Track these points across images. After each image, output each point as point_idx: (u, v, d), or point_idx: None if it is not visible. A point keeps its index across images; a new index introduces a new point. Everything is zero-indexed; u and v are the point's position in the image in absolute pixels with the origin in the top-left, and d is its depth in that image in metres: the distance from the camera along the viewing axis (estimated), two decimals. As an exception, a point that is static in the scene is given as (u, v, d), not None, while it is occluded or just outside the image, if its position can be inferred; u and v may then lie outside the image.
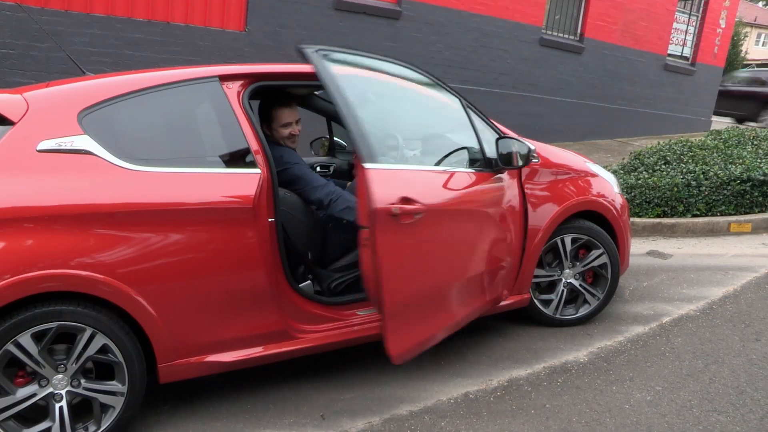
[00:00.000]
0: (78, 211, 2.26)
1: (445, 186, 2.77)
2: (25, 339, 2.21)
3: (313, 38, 7.70)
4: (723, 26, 12.50)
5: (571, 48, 10.60)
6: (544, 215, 3.40)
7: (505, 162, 3.05)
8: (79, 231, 2.26)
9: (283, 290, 2.71)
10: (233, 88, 2.68)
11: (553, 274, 3.61)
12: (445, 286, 2.81)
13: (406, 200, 2.49)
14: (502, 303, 3.34)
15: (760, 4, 46.05)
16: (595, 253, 3.64)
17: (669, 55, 12.02)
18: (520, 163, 3.09)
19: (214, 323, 2.54)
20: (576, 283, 3.66)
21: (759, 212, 6.01)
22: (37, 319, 2.21)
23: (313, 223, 3.03)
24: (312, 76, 2.92)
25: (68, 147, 2.31)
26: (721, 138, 7.52)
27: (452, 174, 2.85)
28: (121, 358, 2.37)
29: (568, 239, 3.57)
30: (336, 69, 2.49)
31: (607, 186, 3.80)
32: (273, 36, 7.38)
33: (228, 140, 2.64)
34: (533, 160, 3.18)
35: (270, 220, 2.62)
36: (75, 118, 2.36)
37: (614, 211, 3.73)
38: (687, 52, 12.45)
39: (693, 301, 4.12)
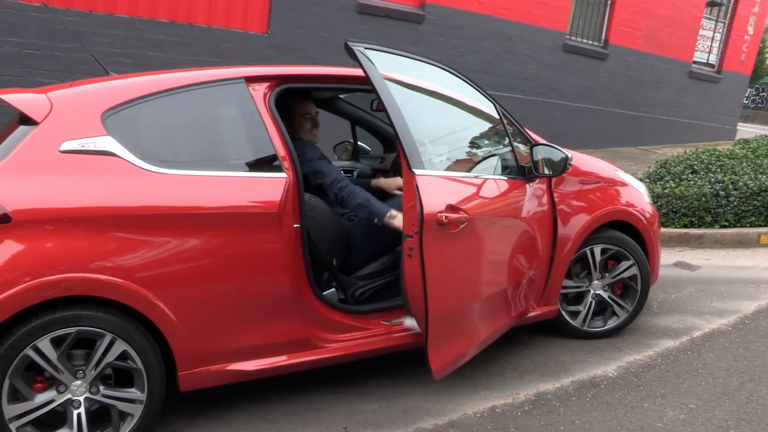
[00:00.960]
0: (100, 213, 2.21)
1: (484, 194, 2.71)
2: (44, 344, 2.16)
3: (336, 41, 7.64)
4: (751, 33, 12.27)
5: (595, 54, 10.46)
6: (574, 225, 3.30)
7: (539, 170, 2.96)
8: (101, 234, 2.21)
9: (307, 298, 2.64)
10: (259, 90, 2.62)
11: (581, 285, 3.51)
12: (482, 299, 2.75)
13: (452, 208, 2.43)
14: (530, 314, 3.25)
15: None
16: (624, 264, 3.53)
17: (694, 62, 11.83)
18: (555, 171, 3.00)
19: (236, 330, 2.48)
20: (605, 294, 3.55)
21: (790, 224, 5.85)
22: (57, 323, 2.16)
23: (339, 229, 2.96)
24: (340, 78, 2.90)
25: (91, 148, 2.26)
26: (750, 147, 7.35)
27: (490, 182, 2.79)
28: (140, 365, 2.31)
29: (597, 249, 3.47)
30: (382, 69, 2.44)
31: (638, 195, 3.69)
32: (295, 38, 7.34)
33: (253, 143, 2.57)
34: (568, 169, 3.09)
35: (295, 225, 2.56)
36: (99, 119, 2.31)
37: (644, 221, 3.62)
38: (713, 59, 12.25)
39: (724, 315, 3.99)
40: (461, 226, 2.46)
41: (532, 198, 3.07)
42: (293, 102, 3.07)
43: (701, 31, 11.76)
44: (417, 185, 2.33)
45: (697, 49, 11.78)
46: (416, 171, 2.36)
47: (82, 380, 2.26)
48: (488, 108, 3.09)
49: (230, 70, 2.62)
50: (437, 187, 2.46)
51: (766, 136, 8.28)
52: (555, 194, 3.26)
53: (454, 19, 8.73)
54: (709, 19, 11.96)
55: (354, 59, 2.45)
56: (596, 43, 10.58)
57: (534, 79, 9.91)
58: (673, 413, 2.81)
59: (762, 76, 30.60)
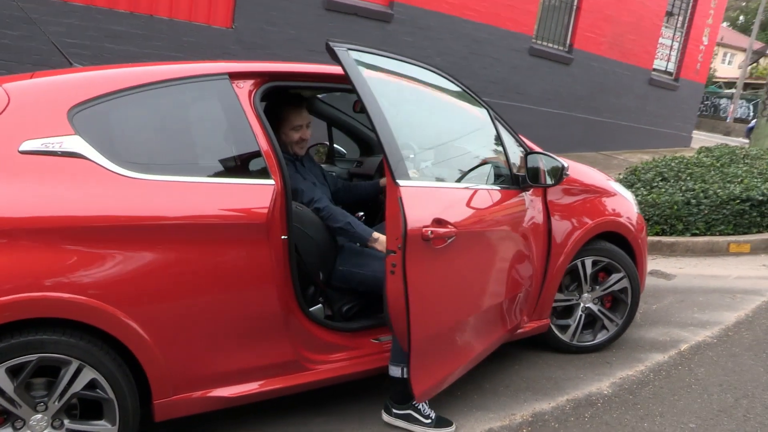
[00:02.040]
0: (66, 224, 1.94)
1: (475, 206, 2.53)
2: (-1, 374, 1.88)
3: (302, 38, 7.41)
4: (706, 43, 12.57)
5: (560, 59, 10.50)
6: (567, 236, 3.18)
7: (534, 179, 2.81)
8: (67, 247, 1.94)
9: (294, 315, 2.42)
10: (244, 88, 2.39)
11: (571, 298, 3.39)
12: (472, 315, 2.57)
13: (439, 222, 2.24)
14: (521, 329, 3.11)
15: (725, 24, 47.19)
16: (615, 276, 3.43)
17: (654, 69, 12.04)
18: (552, 181, 2.86)
19: (219, 353, 2.24)
20: (594, 308, 3.44)
21: (757, 232, 5.92)
22: (14, 350, 1.88)
23: (326, 240, 2.74)
24: (329, 77, 2.68)
25: (56, 149, 1.99)
26: (713, 155, 7.45)
27: (481, 192, 2.62)
28: (112, 395, 2.04)
29: (588, 262, 3.35)
30: (366, 72, 2.23)
31: (628, 205, 3.60)
32: (261, 34, 7.06)
33: (238, 146, 2.34)
34: (564, 178, 2.94)
35: (283, 237, 2.33)
36: (65, 116, 2.04)
37: (634, 231, 3.53)
38: (671, 67, 12.50)
39: (707, 327, 3.95)
40: (448, 241, 2.27)
41: (525, 209, 2.92)
42: (286, 109, 2.81)
43: (661, 40, 11.98)
44: (401, 197, 2.13)
45: (656, 56, 11.99)
46: (400, 182, 2.15)
47: (43, 413, 1.98)
48: (481, 113, 2.92)
49: (213, 65, 2.38)
50: (423, 199, 2.26)
51: (726, 145, 8.43)
52: (549, 205, 3.13)
53: (422, 19, 8.59)
54: (669, 27, 12.19)
55: (335, 59, 2.23)
56: (561, 48, 10.62)
57: (501, 82, 9.86)
58: (674, 434, 2.71)
59: (707, 85, 31.68)
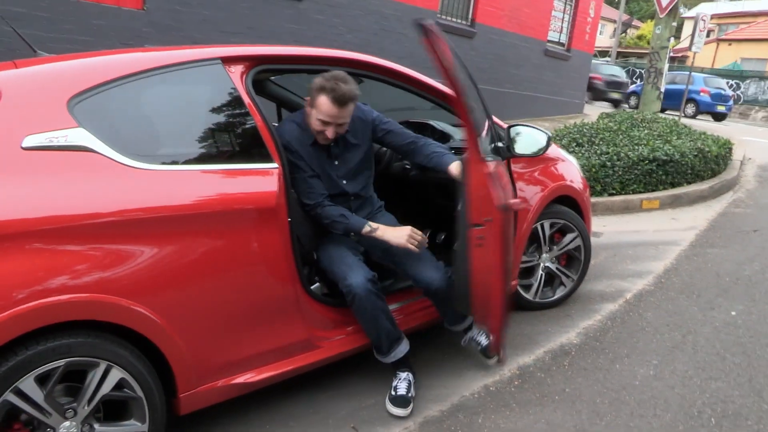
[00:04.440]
0: (85, 221, 1.85)
1: (504, 177, 2.68)
2: (28, 384, 1.78)
3: (215, 19, 7.16)
4: (592, 15, 13.41)
5: (464, 32, 10.81)
6: (530, 202, 3.39)
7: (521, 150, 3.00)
8: (86, 245, 1.86)
9: (302, 296, 2.44)
10: (236, 72, 2.35)
11: (532, 259, 3.63)
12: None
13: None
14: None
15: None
16: (570, 236, 3.70)
17: (548, 41, 12.69)
18: (536, 151, 3.04)
19: (238, 339, 2.23)
20: (553, 266, 3.70)
21: (664, 189, 6.51)
22: (42, 357, 1.79)
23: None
24: (317, 59, 2.68)
25: (62, 143, 1.88)
26: (615, 120, 8.05)
27: (500, 165, 2.76)
28: (140, 393, 2.00)
29: (546, 224, 3.59)
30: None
31: (574, 169, 3.88)
32: (173, 15, 6.75)
33: (240, 130, 2.32)
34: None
35: (288, 220, 2.35)
36: (65, 108, 1.93)
37: (582, 194, 3.81)
38: (563, 38, 13.23)
39: (643, 276, 4.35)
40: (508, 211, 2.43)
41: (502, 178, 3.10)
42: (324, 95, 2.49)
43: (553, 12, 12.64)
44: (491, 173, 2.24)
45: (550, 28, 12.65)
46: (489, 161, 2.26)
47: (72, 419, 1.90)
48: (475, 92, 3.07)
49: (205, 50, 2.32)
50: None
51: (625, 110, 9.10)
52: (513, 174, 3.31)
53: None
54: (559, 1, 12.88)
55: (428, 38, 2.20)
56: (464, 22, 10.95)
57: (409, 57, 9.98)
58: (643, 371, 3.01)
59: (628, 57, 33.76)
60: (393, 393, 2.64)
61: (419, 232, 2.62)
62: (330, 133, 2.55)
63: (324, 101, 2.48)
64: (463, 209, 2.40)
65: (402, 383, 2.67)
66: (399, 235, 2.59)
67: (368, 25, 9.17)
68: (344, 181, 2.75)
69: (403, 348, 2.68)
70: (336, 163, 2.73)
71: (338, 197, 2.74)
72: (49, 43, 5.65)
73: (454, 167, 2.61)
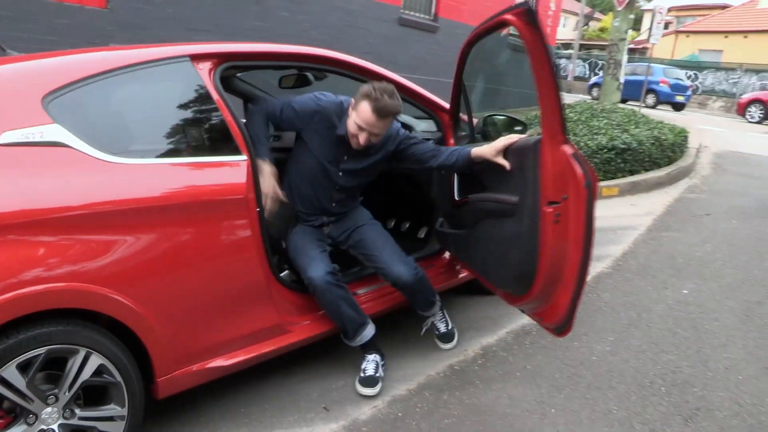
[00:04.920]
0: (60, 213, 1.92)
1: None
2: (10, 372, 1.85)
3: (181, 16, 7.15)
4: (553, 8, 13.68)
5: (427, 27, 10.96)
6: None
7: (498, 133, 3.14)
8: (64, 237, 1.93)
9: (273, 283, 2.55)
10: (204, 69, 2.44)
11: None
12: None
13: None
14: (462, 276, 3.45)
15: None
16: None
17: (511, 34, 12.89)
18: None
19: (213, 325, 2.33)
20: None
21: (622, 177, 6.75)
22: (23, 346, 1.86)
23: (286, 209, 2.86)
24: (282, 56, 2.78)
25: (38, 139, 1.95)
26: (576, 111, 8.29)
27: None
28: (119, 378, 2.08)
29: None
30: None
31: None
32: (138, 13, 6.73)
33: (209, 125, 2.40)
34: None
35: (257, 210, 2.45)
36: (39, 104, 2.00)
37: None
38: (526, 32, 13.45)
39: (602, 260, 4.55)
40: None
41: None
42: (367, 101, 2.57)
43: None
44: (575, 154, 2.25)
45: (513, 23, 12.86)
46: (567, 145, 2.26)
47: (54, 405, 1.98)
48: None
49: (174, 48, 2.40)
50: None
51: (585, 101, 9.35)
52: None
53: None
54: (521, -5, 13.11)
55: (532, 22, 2.21)
56: (427, 17, 11.10)
57: (373, 52, 10.12)
58: (600, 347, 3.19)
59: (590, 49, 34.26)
60: (362, 374, 2.76)
61: (276, 199, 2.63)
62: (362, 139, 2.62)
63: (366, 108, 2.56)
64: (534, 188, 2.37)
65: (370, 364, 2.79)
66: (265, 186, 2.57)
67: (333, 21, 9.24)
68: (341, 174, 2.83)
69: (369, 332, 2.80)
70: (346, 158, 2.80)
71: (326, 181, 2.82)
72: (12, 42, 5.61)
73: (484, 151, 2.66)
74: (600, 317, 3.56)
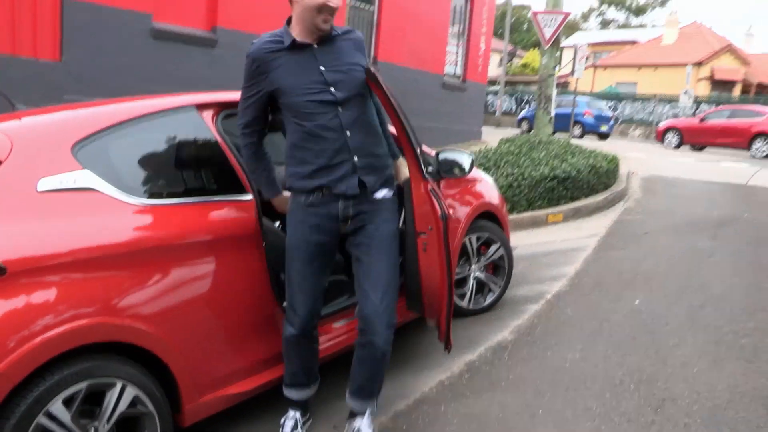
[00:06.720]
0: (97, 254, 2.09)
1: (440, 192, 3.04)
2: (57, 406, 1.96)
3: (132, 66, 7.30)
4: (483, 48, 14.48)
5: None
6: (459, 219, 3.83)
7: (446, 171, 3.37)
8: (102, 275, 2.09)
9: (277, 313, 2.74)
10: (208, 116, 2.67)
11: (463, 270, 4.07)
12: None
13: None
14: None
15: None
16: (494, 247, 4.19)
17: (445, 74, 13.58)
18: (462, 172, 3.41)
19: (232, 354, 2.50)
20: (482, 275, 4.17)
21: (565, 203, 7.25)
22: (68, 381, 1.99)
23: (282, 242, 3.05)
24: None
25: (71, 185, 2.12)
26: (516, 144, 8.83)
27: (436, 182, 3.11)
28: (152, 408, 2.21)
29: (473, 238, 4.06)
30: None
31: (491, 187, 4.39)
32: (90, 65, 6.84)
33: (218, 167, 2.62)
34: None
35: (264, 244, 2.65)
36: (69, 152, 2.17)
37: (501, 209, 4.33)
38: (459, 71, 14.18)
39: (558, 279, 4.92)
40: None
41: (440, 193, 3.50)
42: None
43: (448, 47, 13.57)
44: (432, 188, 2.57)
45: (446, 62, 13.55)
46: (427, 177, 2.56)
47: (93, 438, 2.10)
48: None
49: (181, 98, 2.63)
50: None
51: (523, 135, 9.93)
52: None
53: (243, 42, 8.80)
54: (453, 36, 13.85)
55: (370, 77, 2.50)
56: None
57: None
58: (571, 355, 3.51)
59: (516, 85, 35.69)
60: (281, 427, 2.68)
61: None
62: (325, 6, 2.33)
63: None
64: (409, 219, 2.70)
65: (289, 422, 2.68)
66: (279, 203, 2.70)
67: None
68: (333, 90, 2.41)
69: (307, 394, 2.71)
70: (323, 68, 2.41)
71: (327, 117, 2.41)
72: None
73: (399, 172, 2.81)
74: (566, 330, 3.89)
